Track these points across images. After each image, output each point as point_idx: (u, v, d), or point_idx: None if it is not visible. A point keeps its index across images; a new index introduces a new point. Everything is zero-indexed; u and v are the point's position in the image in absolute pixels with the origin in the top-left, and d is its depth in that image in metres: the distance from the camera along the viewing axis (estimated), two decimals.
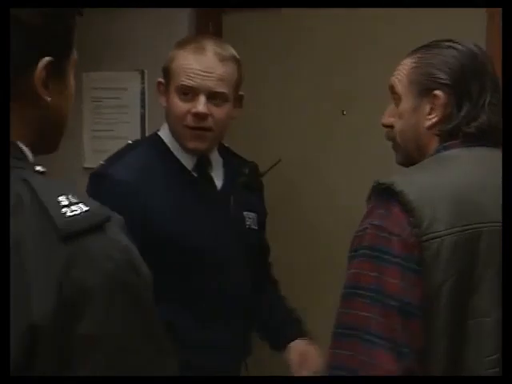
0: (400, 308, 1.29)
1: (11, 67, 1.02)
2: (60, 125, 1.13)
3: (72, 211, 0.93)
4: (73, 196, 0.95)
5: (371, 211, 1.37)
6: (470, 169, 1.42)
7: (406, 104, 1.49)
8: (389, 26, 2.49)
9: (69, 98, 1.12)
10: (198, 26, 2.81)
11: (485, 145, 1.46)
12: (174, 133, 1.87)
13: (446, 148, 1.46)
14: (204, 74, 1.81)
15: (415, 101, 1.48)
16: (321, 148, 2.67)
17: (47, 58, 1.03)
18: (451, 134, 1.46)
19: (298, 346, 1.97)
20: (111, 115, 3.00)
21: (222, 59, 1.84)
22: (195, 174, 1.87)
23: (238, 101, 1.94)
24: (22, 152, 1.04)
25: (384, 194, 1.36)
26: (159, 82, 1.90)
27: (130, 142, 1.90)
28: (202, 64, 1.82)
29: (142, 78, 2.94)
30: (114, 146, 2.96)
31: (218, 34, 2.77)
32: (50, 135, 1.13)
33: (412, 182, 1.37)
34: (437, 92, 1.45)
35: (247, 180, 1.97)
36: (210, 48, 1.84)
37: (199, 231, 1.82)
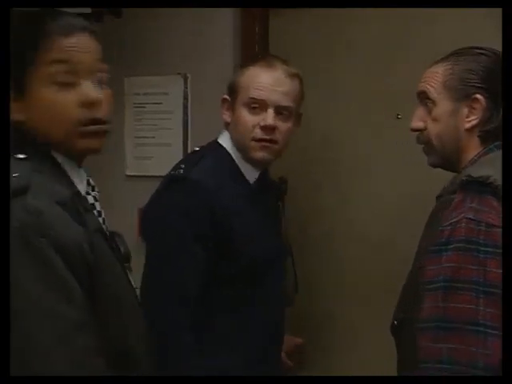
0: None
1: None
2: (54, 139, 1.25)
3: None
4: (21, 171, 1.17)
5: (460, 205, 1.41)
6: None
7: (443, 108, 1.59)
8: (442, 26, 2.41)
9: (43, 112, 1.21)
10: (244, 27, 2.71)
11: None
12: (239, 145, 1.94)
13: (498, 147, 1.54)
14: (273, 88, 1.91)
15: (452, 105, 1.58)
16: (371, 152, 2.59)
17: None
18: (493, 135, 1.55)
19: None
20: (153, 121, 2.92)
21: (289, 75, 1.94)
22: (255, 187, 1.96)
23: (298, 118, 2.02)
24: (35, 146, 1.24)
25: (476, 187, 1.41)
26: (224, 99, 1.98)
27: (197, 148, 1.99)
28: (271, 78, 1.92)
29: (185, 82, 2.85)
30: (157, 153, 2.93)
31: (264, 35, 2.69)
32: (60, 147, 1.27)
33: (500, 178, 1.40)
34: (478, 96, 1.55)
35: (280, 194, 2.14)
36: (278, 64, 1.95)
37: (262, 241, 1.90)
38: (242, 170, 1.92)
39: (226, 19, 2.71)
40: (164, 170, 2.90)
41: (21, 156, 1.22)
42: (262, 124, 1.90)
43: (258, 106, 1.91)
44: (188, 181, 1.82)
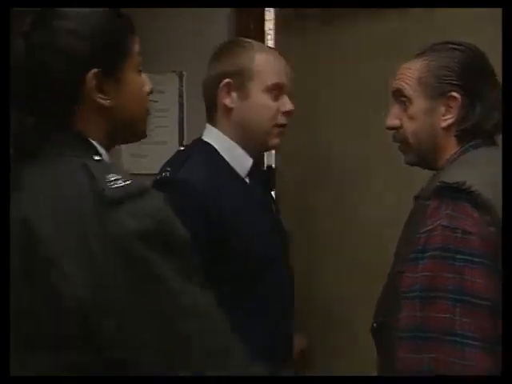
0: (489, 307, 1.31)
1: (68, 81, 1.22)
2: (128, 121, 1.31)
3: (116, 184, 1.14)
4: (117, 174, 1.16)
5: (435, 212, 1.38)
6: (498, 167, 1.43)
7: (418, 106, 1.55)
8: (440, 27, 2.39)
9: (131, 97, 1.30)
10: (239, 25, 2.72)
11: (495, 144, 1.54)
12: (253, 133, 1.89)
13: (473, 147, 1.52)
14: (287, 73, 1.92)
15: (428, 103, 1.54)
16: (370, 151, 2.59)
17: (93, 70, 1.22)
18: (470, 134, 1.52)
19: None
20: (149, 119, 2.92)
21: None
22: (247, 181, 1.92)
23: None
24: (89, 145, 1.25)
25: (451, 193, 1.38)
26: (229, 83, 1.89)
27: (181, 148, 1.99)
28: (283, 64, 1.92)
29: (180, 80, 2.86)
30: (153, 151, 2.94)
31: (260, 34, 2.70)
32: (121, 132, 1.32)
33: (478, 180, 1.38)
34: (454, 94, 1.51)
35: (271, 184, 2.10)
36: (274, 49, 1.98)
37: (262, 237, 1.88)
38: (233, 165, 1.89)
39: (221, 18, 2.72)
40: (160, 168, 2.93)
41: (97, 158, 1.23)
42: (285, 109, 1.89)
43: (277, 91, 1.89)
44: (176, 183, 1.78)
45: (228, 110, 1.89)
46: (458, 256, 1.33)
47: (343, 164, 2.65)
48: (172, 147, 2.87)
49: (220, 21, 2.72)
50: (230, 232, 1.79)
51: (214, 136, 1.90)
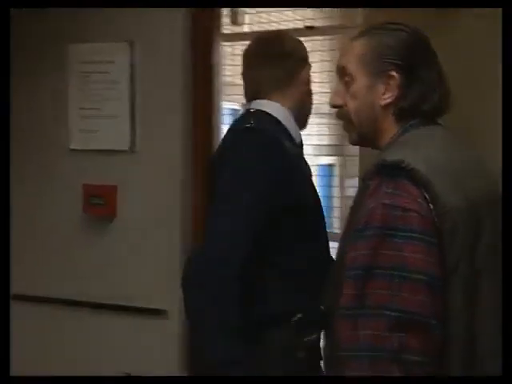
0: (428, 282, 1.35)
1: None
2: None
3: None
4: None
5: (377, 190, 1.42)
6: (441, 144, 1.52)
7: (360, 84, 1.58)
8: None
9: None
10: None
11: (437, 123, 1.58)
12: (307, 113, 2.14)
13: (412, 127, 1.55)
14: None
15: (369, 81, 1.57)
16: None
17: None
18: (407, 113, 1.55)
19: None
20: (98, 91, 2.79)
21: None
22: (300, 149, 2.13)
23: None
24: None
25: (391, 171, 1.41)
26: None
27: (252, 109, 2.08)
28: None
29: (132, 50, 2.72)
30: (103, 126, 2.81)
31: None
32: None
33: (416, 159, 1.42)
34: (393, 73, 1.54)
35: None
36: None
37: (316, 201, 2.06)
38: (294, 135, 2.06)
39: None
40: (110, 143, 2.81)
41: None
42: None
43: None
44: (259, 130, 1.95)
45: (309, 89, 2.11)
46: (399, 233, 1.37)
47: None
48: (123, 121, 2.76)
49: None
50: (293, 181, 1.94)
51: (275, 110, 2.05)
